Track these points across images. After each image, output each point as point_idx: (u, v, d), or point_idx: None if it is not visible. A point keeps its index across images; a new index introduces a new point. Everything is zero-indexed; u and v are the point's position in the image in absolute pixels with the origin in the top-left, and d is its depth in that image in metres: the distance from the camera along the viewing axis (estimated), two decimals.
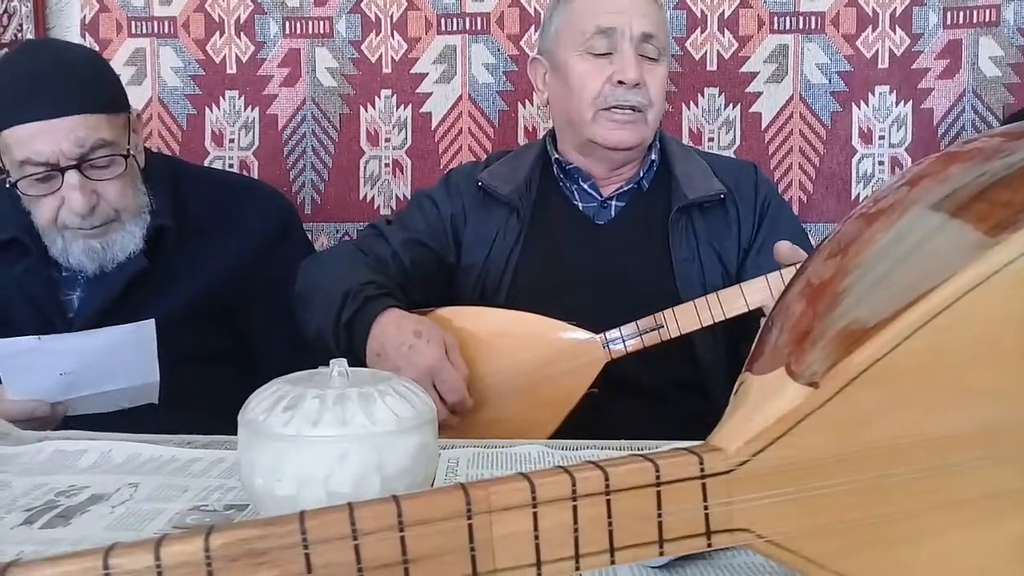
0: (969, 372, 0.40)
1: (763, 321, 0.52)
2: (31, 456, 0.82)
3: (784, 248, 1.03)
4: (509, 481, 0.37)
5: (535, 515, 0.36)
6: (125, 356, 1.13)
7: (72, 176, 1.15)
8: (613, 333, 1.12)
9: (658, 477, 0.38)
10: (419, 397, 0.67)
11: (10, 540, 0.63)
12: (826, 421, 0.39)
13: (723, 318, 1.09)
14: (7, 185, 1.19)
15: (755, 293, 1.08)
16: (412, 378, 1.01)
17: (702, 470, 0.38)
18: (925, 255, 0.45)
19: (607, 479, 0.37)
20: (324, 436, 0.62)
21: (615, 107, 1.22)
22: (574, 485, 0.37)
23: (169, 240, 1.28)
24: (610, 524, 0.37)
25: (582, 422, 1.11)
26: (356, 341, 1.10)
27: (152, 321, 1.13)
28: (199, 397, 1.17)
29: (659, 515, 0.38)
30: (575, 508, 0.37)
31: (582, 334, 1.13)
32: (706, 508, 0.38)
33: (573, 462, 0.81)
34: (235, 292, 1.32)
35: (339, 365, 0.69)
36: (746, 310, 1.08)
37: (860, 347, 0.39)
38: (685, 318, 1.10)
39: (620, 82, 1.21)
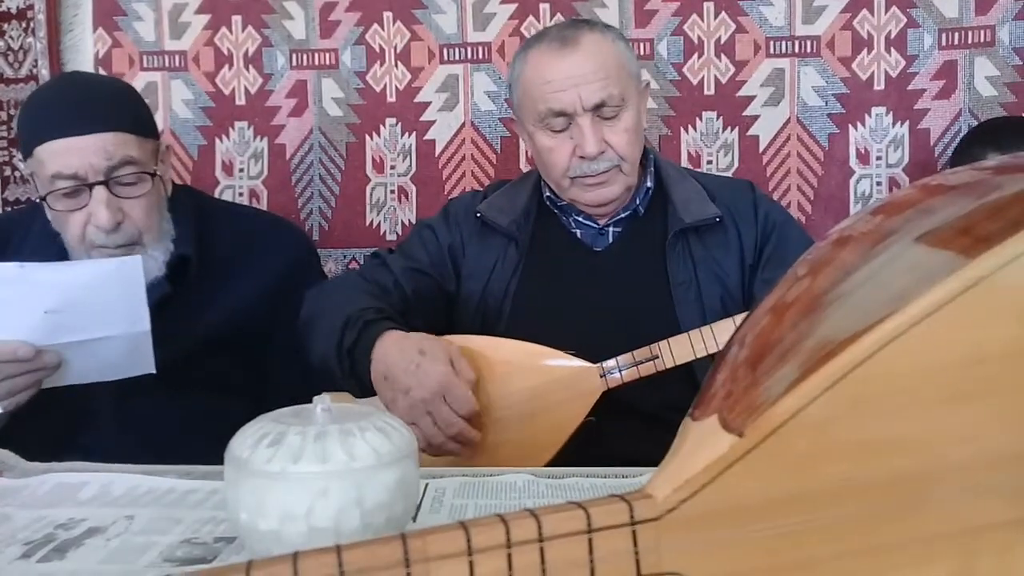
0: (889, 422, 0.42)
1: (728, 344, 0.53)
2: (33, 489, 0.85)
3: None
4: (445, 530, 0.39)
5: (471, 563, 0.39)
6: (112, 295, 1.11)
7: (99, 191, 1.18)
8: (610, 363, 1.13)
9: (589, 524, 0.40)
10: (399, 432, 0.69)
11: (8, 574, 0.66)
12: (751, 469, 0.41)
13: (716, 350, 1.11)
14: (38, 200, 1.22)
15: None
16: (423, 397, 1.06)
17: (632, 517, 0.40)
18: (863, 297, 0.47)
19: (540, 527, 0.40)
20: (305, 472, 0.64)
21: (585, 176, 1.23)
22: (508, 533, 0.39)
23: (191, 271, 1.30)
24: (544, 570, 0.39)
25: (581, 448, 1.13)
26: (359, 366, 1.12)
27: (139, 258, 1.13)
28: (215, 426, 1.19)
29: (591, 561, 0.40)
30: (510, 556, 0.39)
31: (580, 363, 1.15)
32: (636, 553, 0.40)
33: (559, 491, 0.83)
34: (254, 325, 1.34)
35: (322, 402, 0.72)
36: None
37: (783, 398, 0.41)
38: (680, 349, 1.12)
39: (582, 156, 1.22)
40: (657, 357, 1.12)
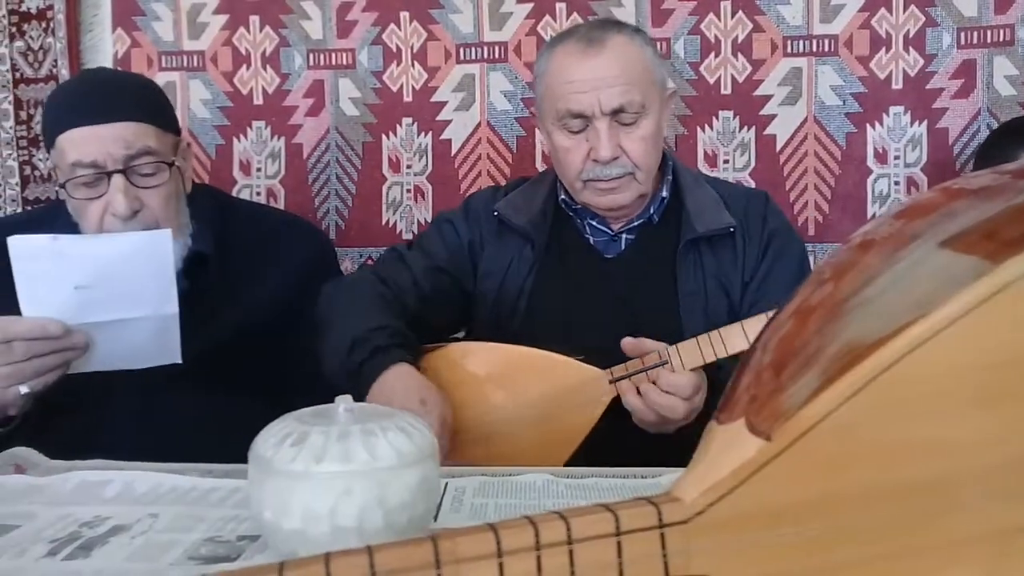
0: (917, 425, 0.42)
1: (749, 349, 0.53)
2: (57, 487, 0.86)
3: (626, 345, 1.11)
4: (475, 532, 0.40)
5: (500, 565, 0.39)
6: (141, 270, 1.12)
7: (117, 179, 1.19)
8: (619, 370, 1.13)
9: (618, 527, 0.40)
10: (420, 433, 0.70)
11: (34, 571, 0.67)
12: (780, 473, 0.41)
13: (725, 355, 1.10)
14: (58, 187, 1.23)
15: (757, 332, 1.09)
16: None
17: (660, 520, 0.41)
18: (889, 301, 0.47)
19: (569, 529, 0.40)
20: (328, 472, 0.65)
21: (598, 180, 1.23)
22: (537, 535, 0.40)
23: (210, 268, 1.31)
24: (573, 572, 0.40)
25: (593, 451, 1.13)
26: (363, 390, 1.11)
27: (168, 231, 1.14)
28: (233, 423, 1.19)
29: (620, 563, 0.40)
30: (539, 558, 0.39)
31: (590, 370, 1.15)
32: (665, 556, 0.41)
33: (578, 491, 0.83)
34: (272, 325, 1.34)
35: (345, 402, 0.73)
36: (748, 346, 1.09)
37: (810, 402, 0.41)
38: (689, 355, 1.11)
39: (596, 160, 1.21)
40: (666, 362, 1.12)
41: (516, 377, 1.16)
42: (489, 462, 1.10)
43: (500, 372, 1.16)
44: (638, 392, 1.11)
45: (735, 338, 1.10)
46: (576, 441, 1.14)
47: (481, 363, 1.17)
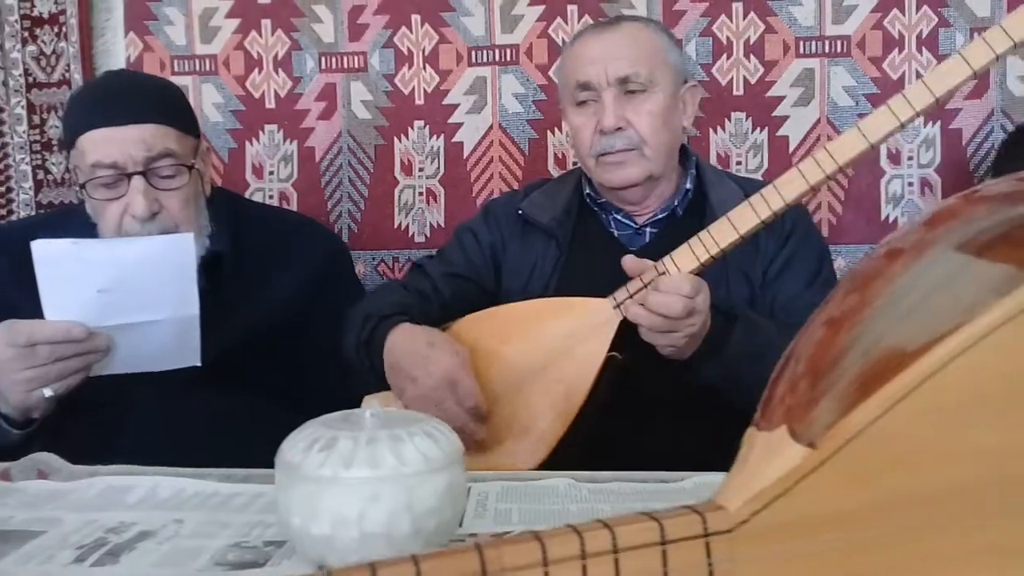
0: (961, 431, 0.42)
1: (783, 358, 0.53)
2: (82, 492, 0.86)
3: (627, 262, 1.13)
4: (521, 541, 0.39)
5: (546, 574, 0.39)
6: (164, 273, 1.13)
7: (137, 181, 1.20)
8: (620, 293, 1.16)
9: (663, 536, 0.40)
10: (447, 438, 0.70)
11: None
12: (824, 481, 0.41)
13: (718, 249, 1.14)
14: (78, 187, 1.24)
15: (745, 224, 1.13)
16: (431, 386, 1.09)
17: (705, 529, 0.41)
18: (926, 309, 0.47)
19: (614, 538, 0.40)
20: (356, 477, 0.65)
21: (606, 153, 1.26)
22: (583, 545, 0.40)
23: (226, 269, 1.32)
24: None
25: (612, 454, 1.13)
26: (375, 359, 1.17)
27: (191, 235, 1.15)
28: (250, 426, 1.20)
29: (665, 572, 0.40)
30: (584, 567, 0.39)
31: (590, 301, 1.18)
32: (710, 565, 0.41)
33: (600, 495, 0.83)
34: (287, 327, 1.35)
35: (371, 407, 0.73)
36: (738, 236, 1.13)
37: (856, 408, 0.41)
38: (683, 258, 1.15)
39: (602, 131, 1.25)
40: (664, 273, 1.14)
41: (522, 331, 1.20)
42: (510, 417, 1.15)
43: (506, 331, 1.20)
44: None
45: (723, 231, 1.14)
46: (591, 374, 1.15)
47: (487, 329, 1.21)
